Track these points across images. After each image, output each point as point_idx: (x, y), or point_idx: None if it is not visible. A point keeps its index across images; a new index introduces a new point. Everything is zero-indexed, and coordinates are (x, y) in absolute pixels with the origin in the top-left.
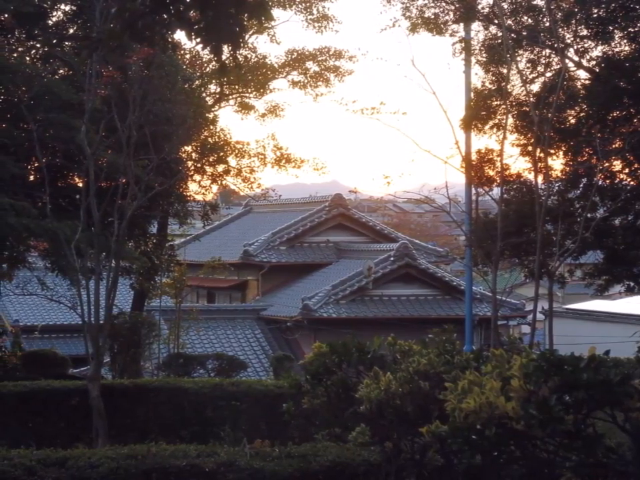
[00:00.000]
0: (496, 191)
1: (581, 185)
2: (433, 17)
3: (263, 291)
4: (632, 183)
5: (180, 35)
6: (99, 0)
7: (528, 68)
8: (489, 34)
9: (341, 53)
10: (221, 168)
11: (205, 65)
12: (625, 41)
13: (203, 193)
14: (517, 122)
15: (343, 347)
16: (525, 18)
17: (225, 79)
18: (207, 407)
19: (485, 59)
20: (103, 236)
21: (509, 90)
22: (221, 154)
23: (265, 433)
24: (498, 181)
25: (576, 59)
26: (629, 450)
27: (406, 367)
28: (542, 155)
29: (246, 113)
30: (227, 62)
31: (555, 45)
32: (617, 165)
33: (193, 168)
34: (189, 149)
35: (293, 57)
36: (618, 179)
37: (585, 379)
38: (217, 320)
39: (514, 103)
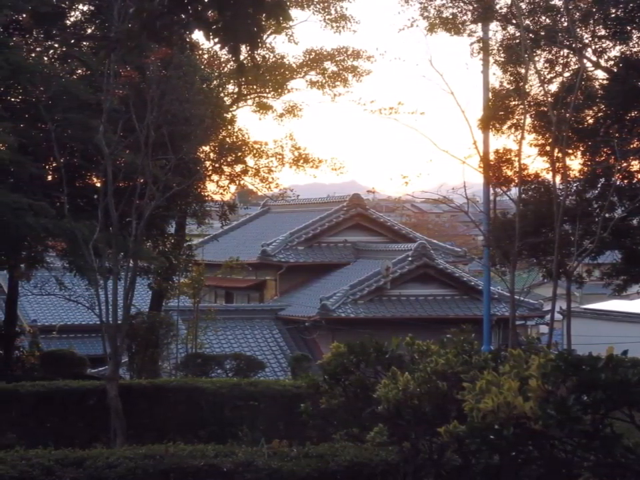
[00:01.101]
0: (514, 191)
1: (599, 185)
2: (450, 16)
3: (280, 291)
4: None
5: (198, 35)
6: (117, 0)
7: (546, 68)
8: (507, 34)
9: (359, 53)
10: (239, 168)
11: (223, 64)
12: None
13: (221, 193)
14: (535, 122)
15: (361, 347)
16: (543, 18)
17: (243, 79)
18: (224, 407)
19: (502, 59)
20: (120, 236)
21: (527, 90)
22: (239, 154)
23: (283, 432)
24: (516, 181)
25: (594, 58)
26: None
27: (424, 367)
28: (560, 154)
29: (264, 113)
30: (244, 62)
31: (573, 45)
32: (635, 164)
33: (211, 168)
34: (206, 148)
35: (311, 57)
36: (636, 179)
37: (603, 379)
38: (234, 320)
39: (532, 103)
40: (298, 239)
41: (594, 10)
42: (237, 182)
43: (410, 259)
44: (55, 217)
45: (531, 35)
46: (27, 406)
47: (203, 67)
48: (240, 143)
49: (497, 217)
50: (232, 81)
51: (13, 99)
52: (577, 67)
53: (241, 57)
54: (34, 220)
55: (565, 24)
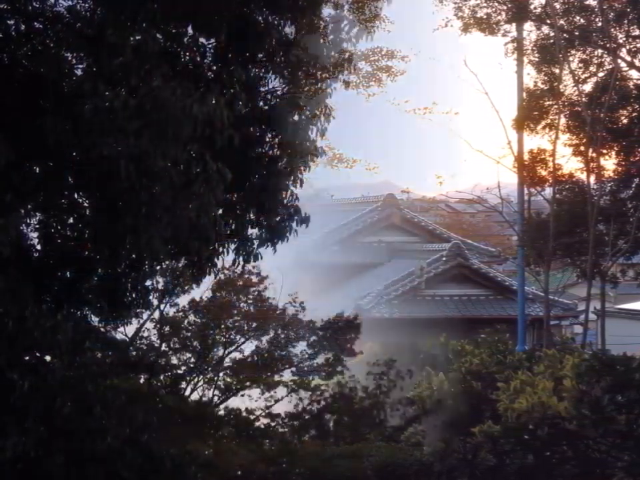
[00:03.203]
0: (548, 191)
1: (634, 185)
2: (485, 16)
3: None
4: None
5: None
6: None
7: (580, 68)
8: (541, 34)
9: (393, 53)
10: None
11: None
12: None
13: None
14: (569, 122)
15: (396, 348)
16: (577, 18)
17: None
18: None
19: (537, 59)
20: None
21: (561, 90)
22: None
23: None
24: (550, 181)
25: (628, 58)
26: None
27: (458, 367)
28: (594, 154)
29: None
30: None
31: (607, 45)
32: None
33: None
34: None
35: (345, 56)
36: None
37: (638, 378)
38: None
39: (566, 103)
40: (332, 239)
41: (628, 10)
42: None
43: (444, 259)
44: None
45: (565, 35)
46: None
47: None
48: None
49: (531, 217)
50: None
51: None
52: (611, 67)
53: None
54: None
55: (599, 24)
